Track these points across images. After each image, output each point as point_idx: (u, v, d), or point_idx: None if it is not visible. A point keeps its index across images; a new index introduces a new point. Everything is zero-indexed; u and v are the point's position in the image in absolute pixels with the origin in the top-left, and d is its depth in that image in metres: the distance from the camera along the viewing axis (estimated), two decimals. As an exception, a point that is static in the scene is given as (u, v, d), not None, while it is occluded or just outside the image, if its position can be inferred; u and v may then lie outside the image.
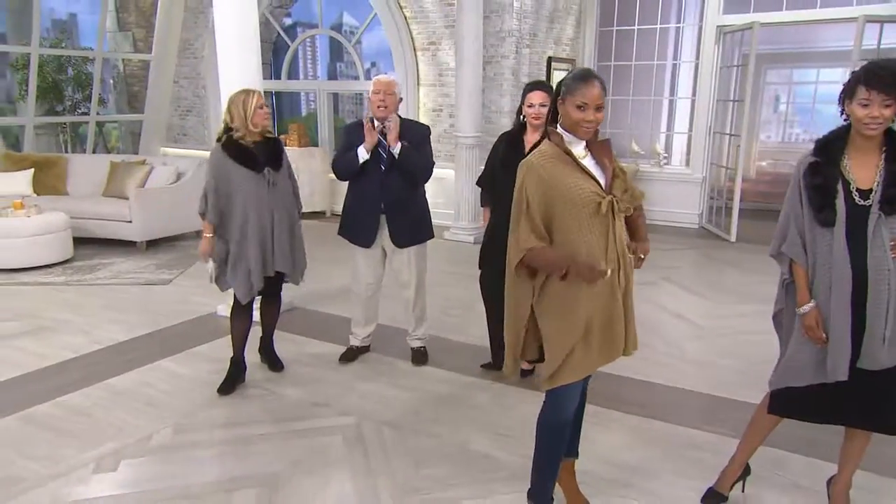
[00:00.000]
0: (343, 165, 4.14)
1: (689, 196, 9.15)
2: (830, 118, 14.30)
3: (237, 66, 4.97)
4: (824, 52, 13.13)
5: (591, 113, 2.33)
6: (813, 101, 14.94)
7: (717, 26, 8.67)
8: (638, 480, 3.12)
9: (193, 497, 2.99)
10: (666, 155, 9.98)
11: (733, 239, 8.24)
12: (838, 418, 2.70)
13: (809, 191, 2.50)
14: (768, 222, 9.40)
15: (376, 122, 4.03)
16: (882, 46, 7.89)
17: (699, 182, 9.05)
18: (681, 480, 3.13)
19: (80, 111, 10.75)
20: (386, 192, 4.11)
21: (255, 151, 3.84)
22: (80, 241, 7.33)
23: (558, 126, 2.45)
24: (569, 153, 2.39)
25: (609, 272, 2.37)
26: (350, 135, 4.20)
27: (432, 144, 4.39)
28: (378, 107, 3.99)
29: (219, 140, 3.89)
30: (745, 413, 3.75)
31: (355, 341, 4.54)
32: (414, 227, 4.26)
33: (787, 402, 2.73)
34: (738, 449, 2.96)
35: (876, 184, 2.41)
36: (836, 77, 13.84)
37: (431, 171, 4.27)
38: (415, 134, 4.15)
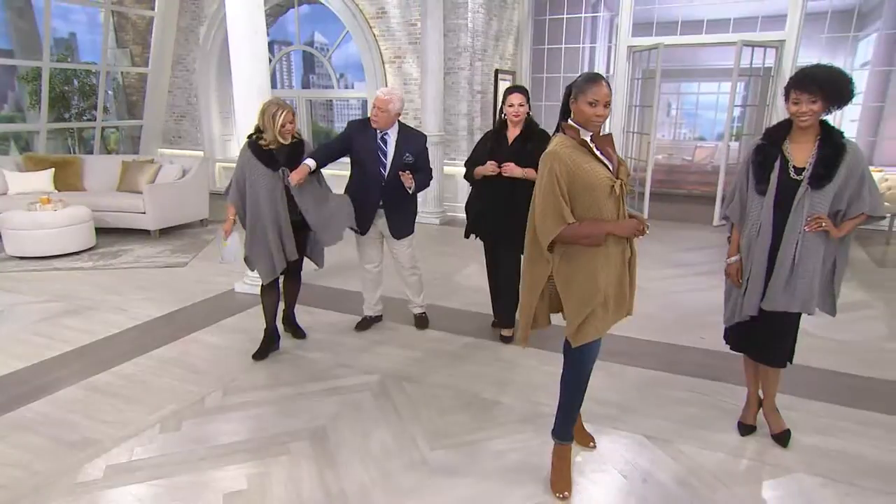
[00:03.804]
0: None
1: (608, 183, 9.19)
2: (709, 121, 14.83)
3: (247, 77, 4.71)
4: (704, 69, 13.54)
5: (601, 108, 2.24)
6: (696, 107, 15.46)
7: (628, 46, 8.73)
8: (624, 415, 3.12)
9: (255, 450, 2.80)
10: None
11: (646, 216, 8.38)
12: (749, 353, 2.89)
13: (754, 165, 2.64)
14: (666, 203, 9.77)
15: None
16: (753, 65, 8.16)
17: (616, 172, 9.11)
18: (656, 412, 3.15)
19: (85, 118, 10.00)
20: (386, 193, 3.91)
21: (275, 152, 3.62)
22: (100, 231, 6.87)
23: (570, 121, 2.36)
24: (584, 144, 2.29)
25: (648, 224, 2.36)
26: (348, 128, 3.94)
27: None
28: (373, 120, 3.82)
29: (249, 137, 3.66)
30: (689, 355, 3.87)
31: (368, 312, 4.36)
32: (408, 219, 4.08)
33: (728, 338, 2.95)
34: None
35: (808, 164, 2.52)
36: (714, 89, 14.32)
37: (433, 174, 4.10)
38: (415, 144, 3.92)
